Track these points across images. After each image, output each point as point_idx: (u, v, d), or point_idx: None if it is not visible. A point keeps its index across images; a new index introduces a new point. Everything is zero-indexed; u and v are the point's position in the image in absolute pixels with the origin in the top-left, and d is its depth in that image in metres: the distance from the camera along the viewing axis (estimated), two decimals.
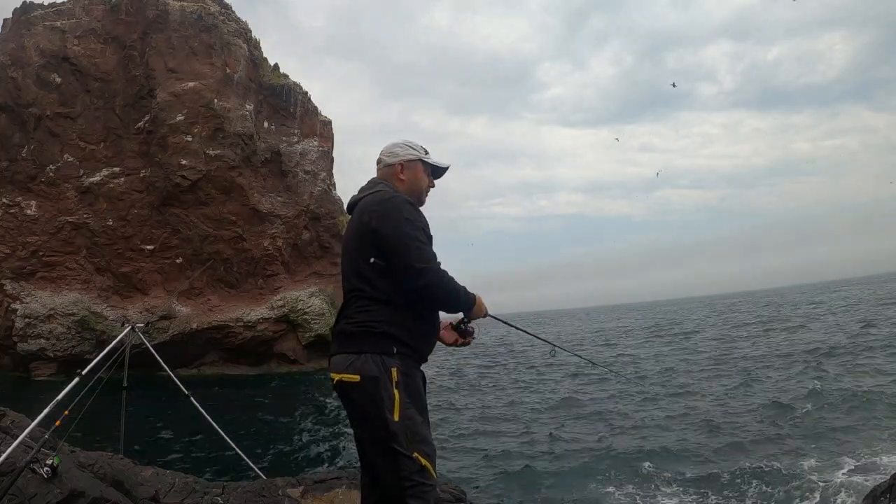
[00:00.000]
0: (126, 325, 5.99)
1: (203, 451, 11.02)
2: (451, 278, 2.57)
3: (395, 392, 2.45)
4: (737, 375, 16.94)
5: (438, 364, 24.45)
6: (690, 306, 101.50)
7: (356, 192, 2.88)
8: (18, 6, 24.49)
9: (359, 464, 2.77)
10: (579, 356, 4.92)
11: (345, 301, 2.70)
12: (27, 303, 23.25)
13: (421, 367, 2.69)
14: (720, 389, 15.13)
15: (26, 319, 22.94)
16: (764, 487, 7.96)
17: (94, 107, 23.94)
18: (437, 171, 2.98)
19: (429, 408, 2.69)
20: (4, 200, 23.40)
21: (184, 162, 23.30)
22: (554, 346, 4.13)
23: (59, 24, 23.92)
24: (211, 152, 23.63)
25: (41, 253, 23.69)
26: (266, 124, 26.10)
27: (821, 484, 7.77)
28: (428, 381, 2.75)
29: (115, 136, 24.21)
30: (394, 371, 2.47)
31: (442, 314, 2.79)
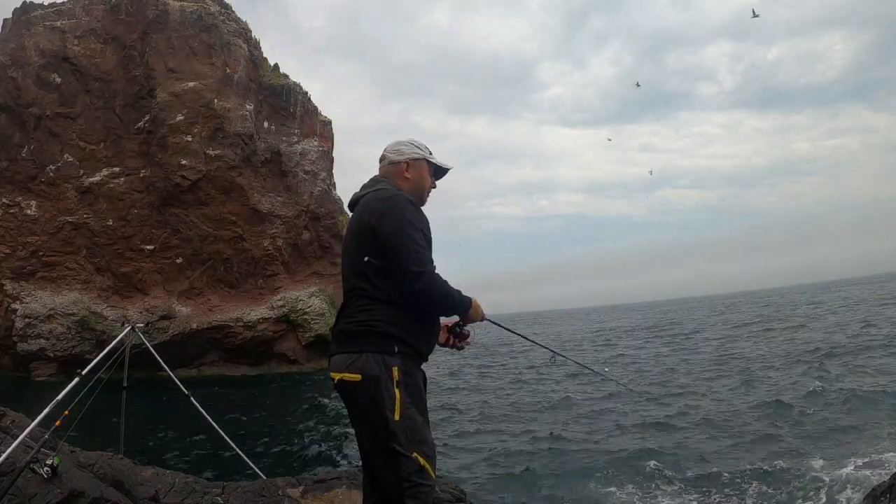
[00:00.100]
0: (126, 325, 5.99)
1: (203, 451, 11.02)
2: (445, 282, 2.57)
3: (396, 391, 2.45)
4: (737, 375, 16.93)
5: (439, 364, 24.45)
6: (690, 306, 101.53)
7: (358, 190, 2.88)
8: (18, 6, 24.53)
9: (359, 464, 2.77)
10: (579, 363, 4.94)
11: (345, 300, 2.70)
12: (27, 303, 23.25)
13: (421, 367, 2.69)
14: (721, 389, 15.12)
15: (26, 319, 22.93)
16: (764, 487, 7.95)
17: (94, 107, 23.95)
18: (439, 172, 2.98)
19: (429, 407, 2.69)
20: (4, 200, 23.39)
21: (184, 162, 23.30)
22: (554, 352, 4.11)
23: (59, 24, 23.93)
24: (211, 152, 23.63)
25: (41, 253, 23.69)
26: (266, 124, 26.10)
27: (822, 483, 7.76)
28: (428, 381, 2.75)
29: (115, 136, 24.21)
30: (395, 370, 2.47)
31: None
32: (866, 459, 8.30)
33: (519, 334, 3.56)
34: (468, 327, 2.87)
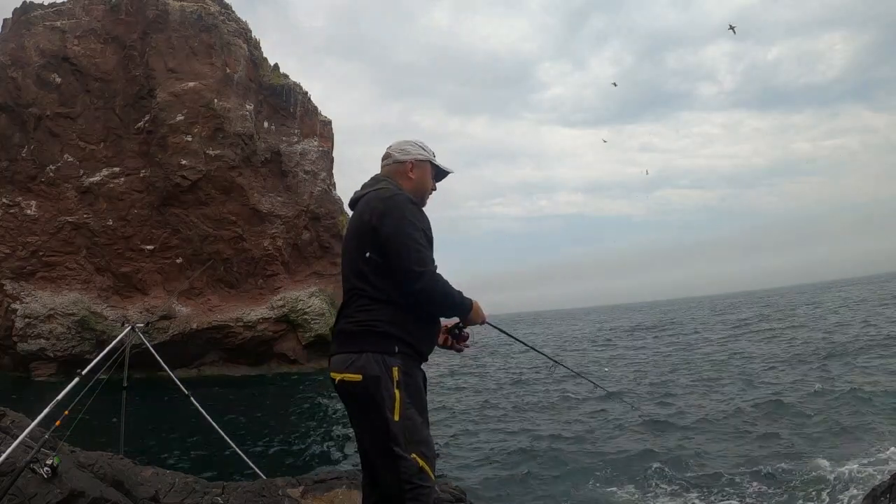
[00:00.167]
0: (126, 325, 5.99)
1: (203, 451, 11.01)
2: (446, 282, 2.56)
3: (396, 392, 2.45)
4: (738, 375, 16.93)
5: (439, 363, 24.45)
6: (690, 306, 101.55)
7: (358, 189, 2.87)
8: (18, 6, 24.53)
9: (359, 464, 2.77)
10: (578, 374, 5.01)
11: (345, 300, 2.69)
12: (27, 303, 23.25)
13: (421, 367, 2.68)
14: (721, 389, 15.12)
15: (26, 319, 22.93)
16: (764, 487, 7.95)
17: (94, 107, 23.94)
18: (440, 175, 2.98)
19: (429, 407, 2.69)
20: (4, 200, 23.39)
21: (184, 162, 23.30)
22: (554, 361, 4.19)
23: (59, 24, 23.93)
24: (211, 152, 23.63)
25: (41, 253, 23.69)
26: (266, 124, 26.10)
27: (822, 483, 7.76)
28: (429, 381, 2.75)
29: (115, 136, 24.21)
30: (395, 370, 2.47)
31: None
32: (867, 459, 8.30)
33: (520, 341, 3.55)
34: (467, 329, 2.86)
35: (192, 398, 6.41)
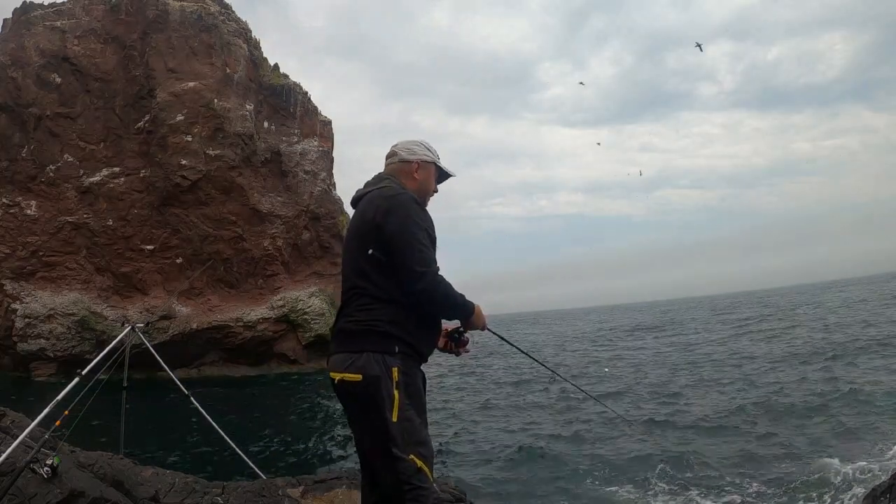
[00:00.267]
0: (126, 325, 6.00)
1: (203, 451, 11.02)
2: (449, 284, 2.55)
3: (396, 392, 2.44)
4: (738, 375, 16.93)
5: (440, 363, 24.45)
6: (690, 306, 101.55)
7: (361, 187, 2.86)
8: (18, 6, 24.52)
9: (359, 464, 2.76)
10: (577, 386, 5.09)
11: (345, 299, 2.68)
12: (27, 303, 23.24)
13: (421, 367, 2.67)
14: (721, 389, 15.12)
15: (26, 319, 22.93)
16: (765, 486, 7.95)
17: (94, 107, 23.94)
18: (442, 177, 2.98)
19: (430, 407, 2.68)
20: (4, 200, 23.39)
21: (184, 162, 23.30)
22: (554, 373, 4.24)
23: (59, 24, 23.92)
24: (211, 152, 23.63)
25: (41, 253, 23.69)
26: (266, 124, 26.10)
27: (822, 483, 7.76)
28: (428, 381, 2.74)
29: (115, 136, 24.20)
30: (395, 371, 2.45)
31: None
32: (867, 459, 8.30)
33: (522, 350, 3.54)
34: (468, 334, 2.84)
35: (192, 398, 6.42)
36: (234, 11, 26.88)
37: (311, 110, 28.01)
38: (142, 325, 6.27)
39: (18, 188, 23.58)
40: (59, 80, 23.51)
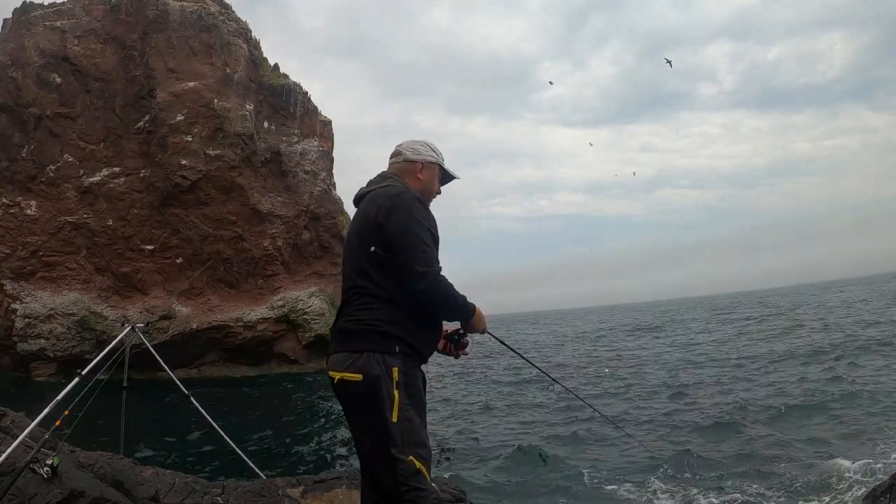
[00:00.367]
0: (126, 325, 5.99)
1: (203, 451, 11.02)
2: (450, 285, 2.53)
3: (396, 393, 2.42)
4: (739, 374, 16.94)
5: (440, 363, 24.45)
6: (690, 306, 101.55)
7: (364, 186, 2.84)
8: (18, 6, 24.51)
9: (359, 464, 2.76)
10: (576, 395, 5.12)
11: (345, 298, 2.66)
12: (27, 303, 23.24)
13: (421, 368, 2.66)
14: (722, 388, 15.12)
15: (26, 319, 22.93)
16: (764, 486, 7.95)
17: (94, 107, 23.93)
18: (446, 179, 2.97)
19: (430, 407, 2.67)
20: (4, 200, 23.38)
21: (184, 162, 23.29)
22: (553, 380, 4.21)
23: (59, 24, 23.91)
24: (211, 152, 23.62)
25: (41, 253, 23.68)
26: (266, 124, 26.09)
27: (822, 483, 7.76)
28: (429, 381, 2.73)
29: (115, 136, 24.20)
30: (395, 371, 2.44)
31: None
32: (867, 459, 8.29)
33: (522, 356, 3.53)
34: (467, 337, 2.82)
35: (192, 398, 6.41)
36: (234, 11, 26.87)
37: (311, 110, 28.00)
38: (142, 325, 6.26)
39: (18, 188, 23.57)
40: (59, 80, 23.51)
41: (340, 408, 2.69)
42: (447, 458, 10.37)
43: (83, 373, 4.43)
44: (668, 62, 21.33)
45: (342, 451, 11.54)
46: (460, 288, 2.60)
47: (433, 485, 2.51)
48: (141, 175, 24.12)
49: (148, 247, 24.36)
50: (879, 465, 7.91)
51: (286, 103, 26.90)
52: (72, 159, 23.70)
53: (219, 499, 4.64)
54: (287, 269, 26.52)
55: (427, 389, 2.69)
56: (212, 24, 24.55)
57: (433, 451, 2.59)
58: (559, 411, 14.15)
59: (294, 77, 28.70)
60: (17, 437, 3.71)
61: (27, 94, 23.17)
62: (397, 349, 2.48)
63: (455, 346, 2.83)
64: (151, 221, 24.34)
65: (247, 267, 25.47)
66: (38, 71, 23.32)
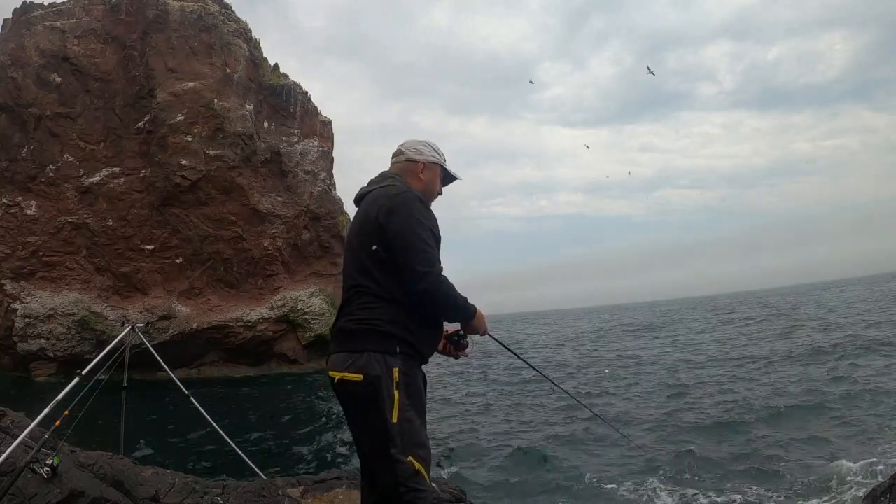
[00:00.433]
0: (126, 325, 5.99)
1: (203, 451, 11.02)
2: (452, 286, 2.52)
3: (396, 393, 2.42)
4: (739, 374, 16.93)
5: (440, 363, 24.43)
6: (691, 306, 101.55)
7: (364, 185, 2.83)
8: (18, 6, 24.51)
9: (359, 464, 2.75)
10: (578, 401, 5.14)
11: (346, 298, 2.65)
12: (27, 303, 23.24)
13: (422, 368, 2.65)
14: (722, 388, 15.12)
15: (26, 319, 22.93)
16: (764, 486, 7.95)
17: (94, 107, 23.93)
18: (447, 180, 2.96)
19: (431, 407, 2.66)
20: (4, 200, 23.38)
21: (184, 162, 23.29)
22: (554, 383, 4.26)
23: (59, 24, 23.91)
24: (211, 152, 23.62)
25: (41, 253, 23.68)
26: (266, 124, 26.09)
27: (822, 483, 7.76)
28: (430, 380, 2.72)
29: (115, 136, 24.20)
30: (395, 371, 2.43)
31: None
32: (868, 459, 8.29)
33: (522, 359, 3.53)
34: (467, 338, 2.81)
35: (192, 398, 6.41)
36: (234, 11, 26.87)
37: (311, 110, 28.00)
38: (142, 325, 6.26)
39: (18, 188, 23.57)
40: (59, 80, 23.50)
41: (340, 408, 2.68)
42: (447, 459, 10.36)
43: (83, 373, 4.42)
44: (650, 70, 21.44)
45: (342, 451, 11.54)
46: (460, 288, 2.59)
47: (433, 485, 2.51)
48: (141, 175, 24.12)
49: (148, 247, 24.36)
50: (880, 466, 7.91)
51: (286, 103, 26.90)
52: (72, 159, 23.70)
53: (219, 499, 4.64)
54: (287, 269, 26.51)
55: (428, 390, 2.69)
56: (212, 24, 24.55)
57: (433, 452, 2.58)
58: (559, 411, 14.15)
59: (294, 77, 28.73)
60: (17, 437, 3.71)
61: (27, 94, 23.17)
62: (398, 349, 2.47)
63: (455, 346, 2.83)
64: (151, 221, 24.34)
65: (247, 267, 25.47)
66: (38, 71, 23.32)
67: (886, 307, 35.37)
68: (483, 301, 2.78)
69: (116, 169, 24.10)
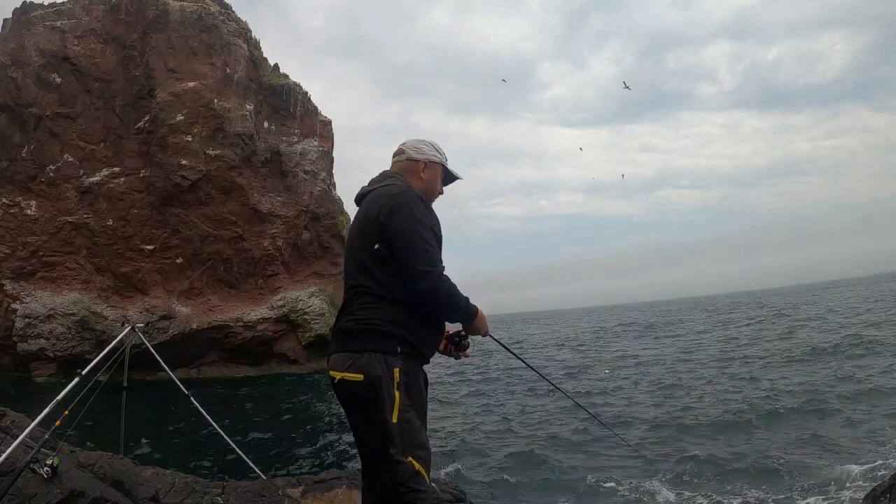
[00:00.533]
0: (126, 325, 5.99)
1: (203, 451, 11.02)
2: (453, 285, 2.51)
3: (396, 393, 2.41)
4: (739, 375, 16.92)
5: (440, 363, 24.43)
6: (691, 306, 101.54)
7: (365, 185, 2.83)
8: (18, 6, 24.52)
9: (359, 464, 2.75)
10: (577, 402, 5.17)
11: (347, 297, 2.64)
12: (27, 303, 23.24)
13: (423, 368, 2.64)
14: (722, 388, 15.11)
15: (26, 319, 22.93)
16: (764, 486, 7.95)
17: (94, 107, 23.94)
18: (448, 179, 2.96)
19: (431, 407, 2.66)
20: (4, 200, 23.39)
21: (184, 162, 23.30)
22: (554, 386, 4.34)
23: (59, 24, 23.92)
24: (211, 152, 23.63)
25: (41, 253, 23.69)
26: (266, 124, 26.09)
27: (822, 483, 7.76)
28: (431, 381, 2.71)
29: (115, 136, 24.21)
30: (396, 371, 2.43)
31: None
32: (868, 459, 8.30)
33: (522, 360, 3.52)
34: (469, 339, 2.80)
35: (192, 398, 6.41)
36: (234, 11, 26.88)
37: (311, 110, 28.01)
38: (142, 325, 6.26)
39: (18, 188, 23.58)
40: (59, 80, 23.51)
41: (340, 408, 2.68)
42: (447, 459, 10.36)
43: (83, 373, 4.42)
44: (626, 85, 21.58)
45: (342, 451, 11.54)
46: (461, 288, 2.58)
47: (433, 485, 2.50)
48: (141, 175, 24.12)
49: (148, 247, 24.36)
50: (881, 466, 7.91)
51: (286, 103, 26.91)
52: (72, 159, 23.70)
53: (219, 499, 4.63)
54: (287, 269, 26.52)
55: (429, 390, 2.68)
56: (212, 24, 24.56)
57: (433, 452, 2.58)
58: (559, 411, 14.14)
59: (294, 77, 28.73)
60: (17, 437, 3.71)
61: (27, 94, 23.18)
62: (399, 349, 2.46)
63: (456, 347, 2.82)
64: (151, 221, 24.34)
65: (247, 267, 25.47)
66: (38, 71, 23.32)
67: (887, 307, 35.37)
68: (483, 301, 2.78)
69: (116, 169, 24.11)
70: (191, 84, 23.52)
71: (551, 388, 17.03)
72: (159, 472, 4.93)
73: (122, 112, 24.09)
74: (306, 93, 28.06)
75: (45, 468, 3.50)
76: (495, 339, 2.96)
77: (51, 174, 23.53)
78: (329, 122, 28.89)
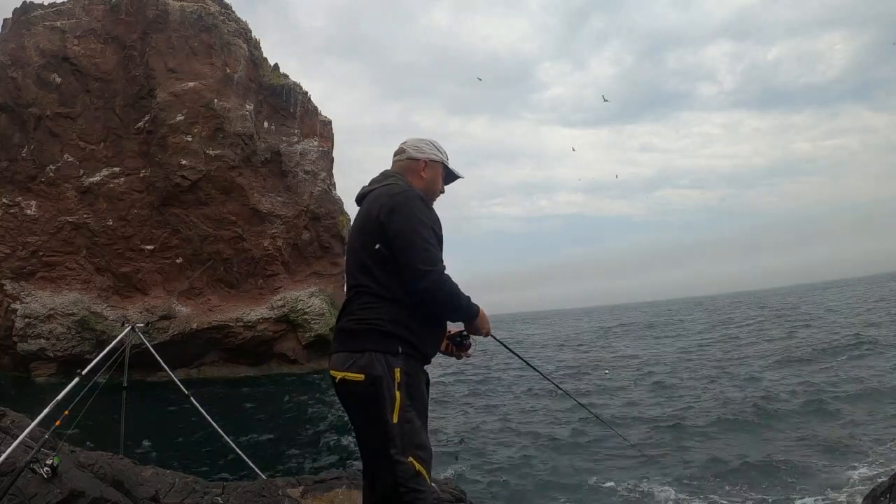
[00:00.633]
0: (126, 325, 5.98)
1: (203, 451, 11.02)
2: (455, 285, 2.50)
3: (397, 393, 2.41)
4: (739, 375, 16.92)
5: (441, 363, 24.41)
6: (691, 306, 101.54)
7: (366, 185, 2.82)
8: (18, 6, 24.52)
9: (359, 464, 2.75)
10: (583, 405, 5.16)
11: (348, 297, 2.64)
12: (27, 303, 23.24)
13: (425, 368, 2.64)
14: (722, 389, 15.11)
15: (26, 319, 22.93)
16: (764, 486, 7.95)
17: (94, 107, 23.94)
18: (450, 178, 2.95)
19: (432, 408, 2.65)
20: (4, 200, 23.39)
21: (184, 162, 23.30)
22: (556, 385, 4.33)
23: (59, 24, 23.92)
24: (211, 152, 23.63)
25: (41, 253, 23.69)
26: (266, 124, 26.09)
27: (821, 483, 7.76)
28: (433, 382, 2.71)
29: (115, 136, 24.21)
30: (397, 371, 2.42)
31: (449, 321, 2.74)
32: (867, 459, 8.30)
33: (523, 359, 3.52)
34: (470, 339, 2.79)
35: (192, 398, 6.40)
36: (234, 11, 26.88)
37: (311, 110, 28.01)
38: (142, 325, 6.25)
39: (18, 188, 23.58)
40: (59, 80, 23.51)
41: (340, 408, 2.68)
42: (447, 459, 10.36)
43: (83, 373, 4.42)
44: (605, 99, 21.63)
45: (342, 451, 11.54)
46: (461, 288, 2.57)
47: (433, 485, 2.50)
48: (141, 175, 24.12)
49: (148, 247, 24.37)
50: (881, 466, 7.91)
51: (286, 103, 26.91)
52: (72, 159, 23.70)
53: (219, 499, 4.63)
54: (287, 269, 26.52)
55: (430, 391, 2.67)
56: (212, 24, 24.56)
57: (433, 452, 2.58)
58: (559, 412, 14.15)
59: (294, 77, 28.72)
60: (17, 437, 3.71)
61: (27, 94, 23.18)
62: (400, 349, 2.46)
63: (457, 347, 2.81)
64: (151, 221, 24.34)
65: (247, 267, 25.47)
66: (38, 71, 23.32)
67: (888, 307, 35.36)
68: (483, 301, 2.77)
69: (116, 169, 24.11)
70: (191, 84, 23.52)
71: (552, 388, 17.05)
72: (159, 472, 4.92)
73: (122, 112, 24.09)
74: (306, 93, 28.07)
75: (45, 468, 3.50)
76: (497, 340, 2.95)
77: (51, 174, 23.54)
78: (329, 122, 28.90)
